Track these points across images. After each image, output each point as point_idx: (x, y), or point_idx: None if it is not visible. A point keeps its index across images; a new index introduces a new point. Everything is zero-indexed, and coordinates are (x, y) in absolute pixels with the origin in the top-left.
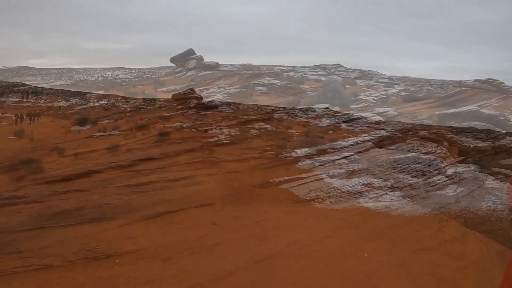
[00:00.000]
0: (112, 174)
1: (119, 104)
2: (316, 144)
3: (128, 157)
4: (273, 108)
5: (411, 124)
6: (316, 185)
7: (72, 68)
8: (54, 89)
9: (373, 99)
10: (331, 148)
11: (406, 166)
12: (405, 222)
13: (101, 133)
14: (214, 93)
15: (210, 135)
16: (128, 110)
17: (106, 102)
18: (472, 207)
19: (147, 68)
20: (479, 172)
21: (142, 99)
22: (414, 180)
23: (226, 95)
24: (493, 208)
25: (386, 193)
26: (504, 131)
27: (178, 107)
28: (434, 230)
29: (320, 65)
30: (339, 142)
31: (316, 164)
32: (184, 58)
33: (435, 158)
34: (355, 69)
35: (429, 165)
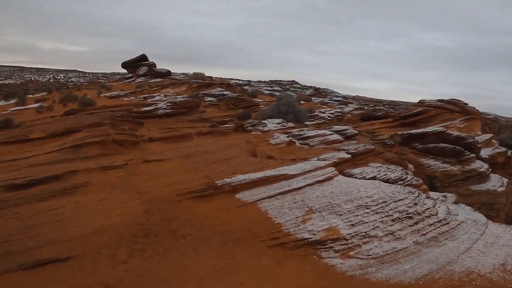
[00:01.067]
0: (3, 196)
1: (55, 107)
2: (263, 167)
3: (28, 173)
4: (220, 120)
5: (372, 144)
6: (261, 227)
7: (24, 67)
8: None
9: (329, 116)
10: (282, 175)
11: (384, 204)
12: None
13: (13, 139)
14: (158, 101)
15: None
16: (60, 115)
17: (41, 105)
18: (481, 268)
19: (102, 73)
20: (461, 204)
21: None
22: (397, 226)
23: (170, 104)
24: (509, 268)
25: (359, 245)
26: (474, 154)
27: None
28: None
29: (275, 80)
30: (293, 165)
31: (263, 195)
32: (135, 64)
33: (419, 193)
34: (310, 86)
35: (415, 204)
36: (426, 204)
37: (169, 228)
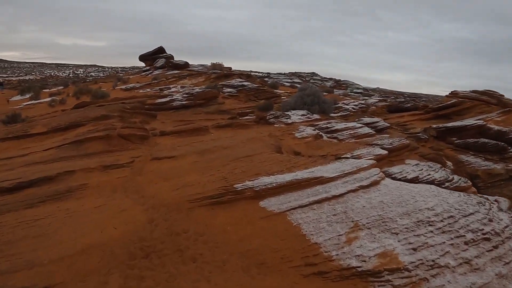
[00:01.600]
0: None
1: (68, 100)
2: (292, 167)
3: (20, 174)
4: (240, 112)
5: (406, 138)
6: (292, 247)
7: (44, 63)
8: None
9: (353, 107)
10: (317, 178)
11: (451, 219)
12: None
13: (12, 135)
14: (174, 93)
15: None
16: (70, 108)
17: (53, 98)
18: None
19: (121, 67)
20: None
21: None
22: (473, 251)
23: (187, 95)
24: None
25: (425, 278)
26: None
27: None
28: None
29: (295, 72)
30: (329, 165)
31: (294, 204)
32: (153, 57)
33: (490, 205)
34: (330, 78)
35: (490, 220)
36: (502, 219)
37: (176, 246)
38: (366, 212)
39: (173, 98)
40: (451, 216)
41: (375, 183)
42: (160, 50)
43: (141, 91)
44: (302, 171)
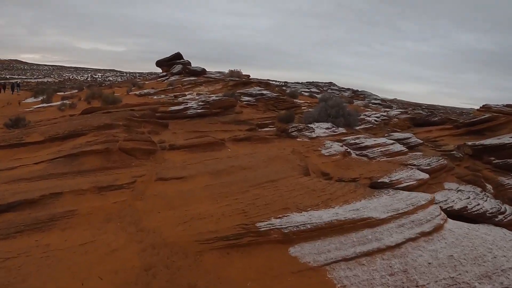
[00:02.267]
0: None
1: (79, 104)
2: (329, 200)
3: (10, 187)
4: (259, 122)
5: (440, 156)
6: None
7: (63, 66)
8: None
9: (375, 120)
10: (364, 219)
11: None
12: None
13: (5, 143)
14: (189, 100)
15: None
16: (78, 113)
17: (63, 102)
18: None
19: (139, 72)
20: None
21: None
22: None
23: (202, 103)
24: None
25: None
26: None
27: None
28: None
29: (313, 82)
30: (375, 199)
31: (335, 255)
32: (170, 63)
33: None
34: (348, 89)
35: None
36: None
37: None
38: (434, 273)
39: (187, 106)
40: None
41: (438, 228)
42: (177, 56)
43: (154, 97)
44: (343, 207)
